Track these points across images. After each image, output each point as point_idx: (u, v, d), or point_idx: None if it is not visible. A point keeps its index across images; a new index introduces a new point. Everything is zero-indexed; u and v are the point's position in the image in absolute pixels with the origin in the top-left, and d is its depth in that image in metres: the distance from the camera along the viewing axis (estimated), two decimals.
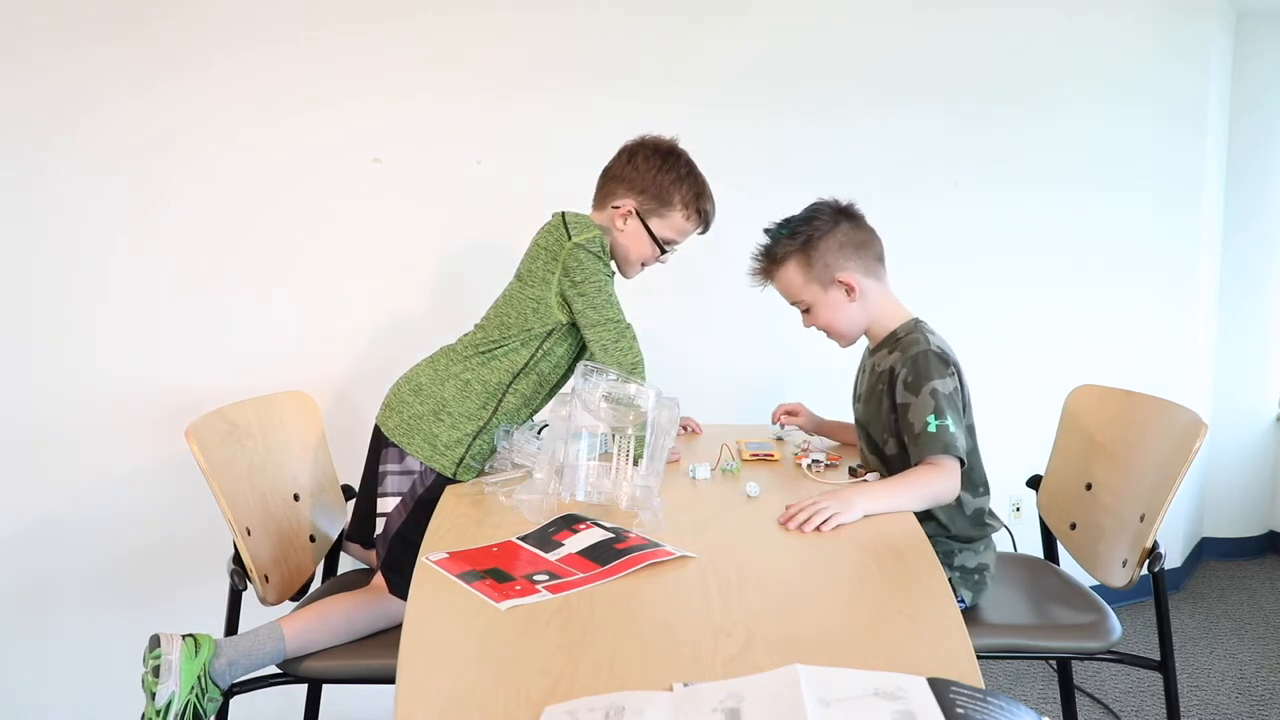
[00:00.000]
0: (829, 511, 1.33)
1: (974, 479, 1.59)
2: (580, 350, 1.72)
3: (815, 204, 1.66)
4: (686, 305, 2.46)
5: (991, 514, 1.62)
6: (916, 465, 1.49)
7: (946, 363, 1.54)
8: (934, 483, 1.46)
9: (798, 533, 1.31)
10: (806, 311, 1.67)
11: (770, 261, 1.66)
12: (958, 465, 1.47)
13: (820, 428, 1.95)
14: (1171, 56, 2.85)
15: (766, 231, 1.68)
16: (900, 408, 1.54)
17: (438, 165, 2.24)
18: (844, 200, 1.66)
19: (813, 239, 1.61)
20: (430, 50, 2.21)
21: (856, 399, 1.74)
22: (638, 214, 1.69)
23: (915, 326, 1.62)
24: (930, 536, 1.56)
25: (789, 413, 1.95)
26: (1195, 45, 2.90)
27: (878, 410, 1.61)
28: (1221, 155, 3.15)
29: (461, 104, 2.24)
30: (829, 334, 1.69)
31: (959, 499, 1.54)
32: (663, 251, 1.74)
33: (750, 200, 2.42)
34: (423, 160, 2.22)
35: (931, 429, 1.47)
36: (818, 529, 1.31)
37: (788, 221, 1.66)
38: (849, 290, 1.62)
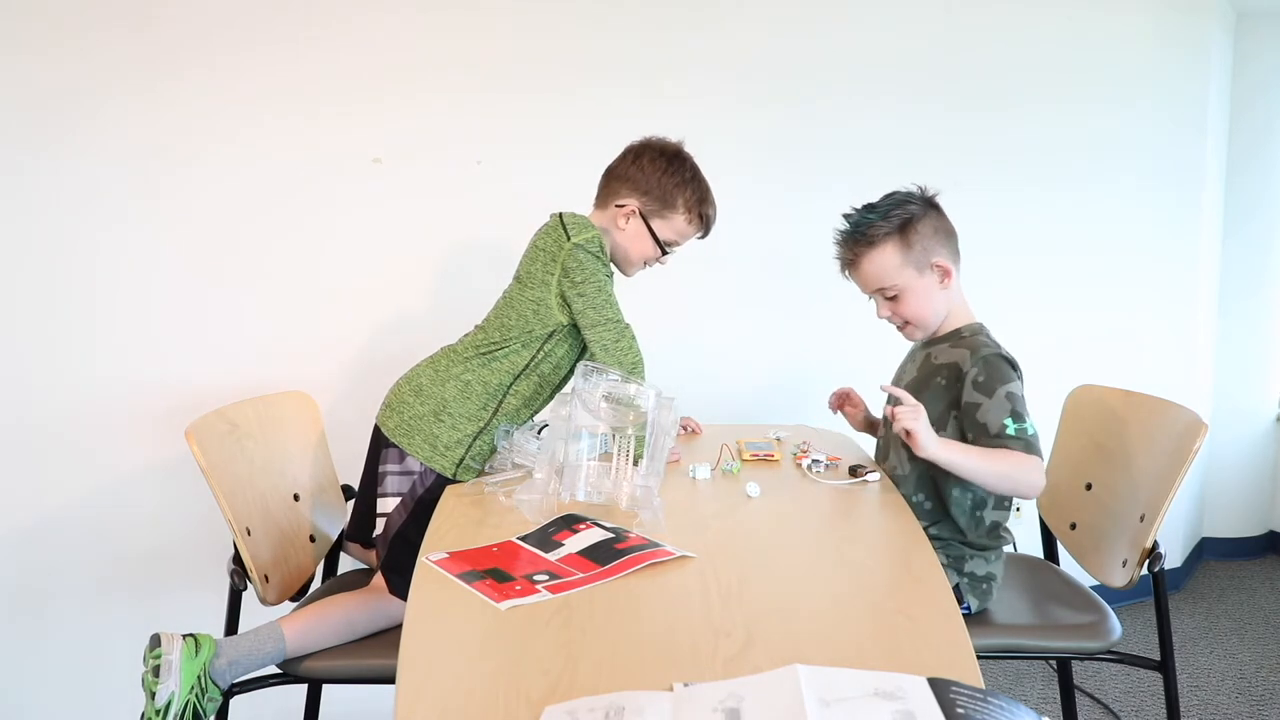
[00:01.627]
0: (913, 426, 1.41)
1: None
2: (580, 352, 1.72)
3: (902, 191, 1.63)
4: (686, 305, 2.46)
5: (1006, 529, 1.62)
6: (995, 450, 1.47)
7: (1015, 367, 1.54)
8: (1018, 468, 1.45)
9: (791, 532, 1.31)
10: (892, 299, 1.62)
11: (864, 244, 1.60)
12: (1040, 462, 1.47)
13: (875, 427, 1.90)
14: (1171, 56, 2.85)
15: (847, 217, 1.63)
16: (968, 406, 1.52)
17: (438, 165, 2.24)
18: (930, 189, 1.64)
19: (910, 222, 1.58)
20: (431, 50, 2.21)
21: (905, 388, 1.70)
22: (640, 214, 1.69)
23: (981, 329, 1.61)
24: (944, 540, 1.57)
25: (847, 400, 1.88)
26: (1195, 45, 2.89)
27: (930, 401, 1.56)
28: (1221, 155, 3.15)
29: (461, 104, 2.24)
30: (908, 323, 1.64)
31: (979, 511, 1.55)
32: (664, 252, 1.74)
33: (750, 200, 2.43)
34: (423, 160, 2.22)
35: (1011, 431, 1.46)
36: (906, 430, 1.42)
37: (873, 207, 1.61)
38: (944, 275, 1.59)
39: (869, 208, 1.62)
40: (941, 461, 1.45)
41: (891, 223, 1.58)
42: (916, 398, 1.59)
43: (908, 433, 1.43)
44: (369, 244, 2.21)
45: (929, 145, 2.62)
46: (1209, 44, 2.92)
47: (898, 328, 1.67)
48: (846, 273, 1.66)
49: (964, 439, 1.52)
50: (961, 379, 1.53)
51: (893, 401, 1.67)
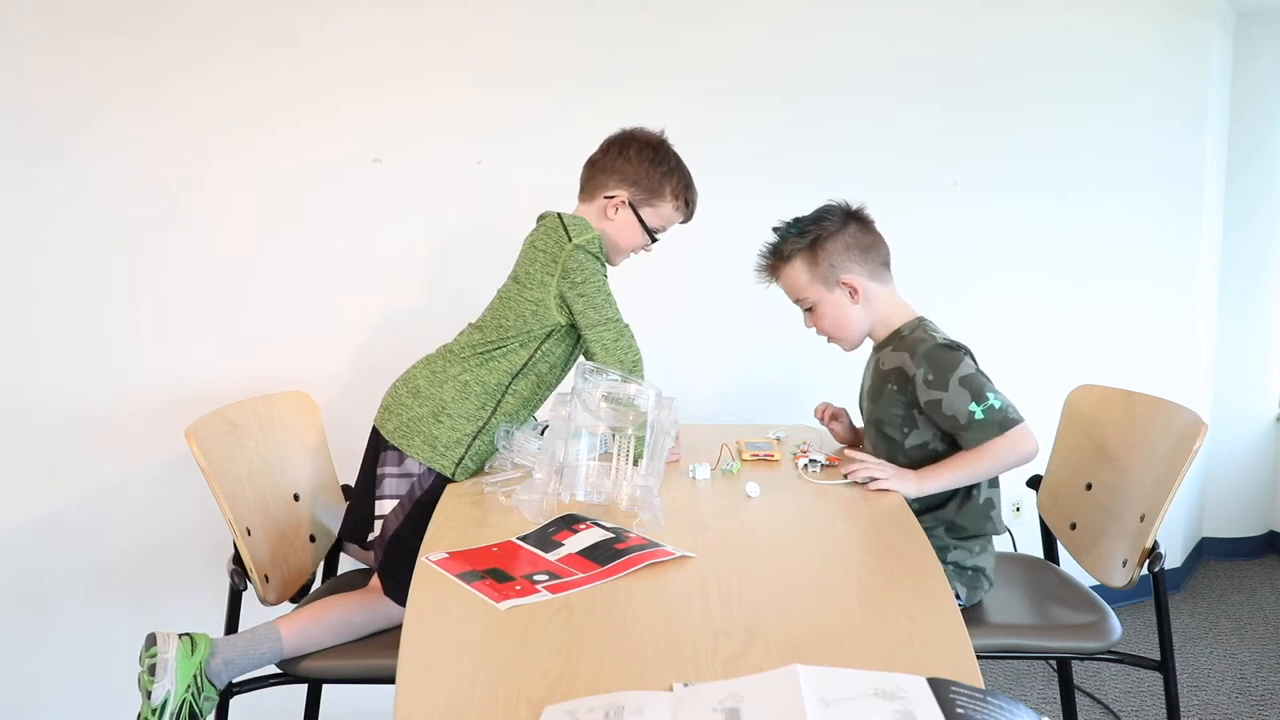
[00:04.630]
0: (882, 482, 1.49)
1: None
2: (576, 351, 1.72)
3: (825, 205, 1.68)
4: (686, 304, 2.46)
5: (998, 514, 1.62)
6: (971, 449, 1.53)
7: (955, 347, 1.57)
8: (1001, 453, 1.51)
9: (791, 532, 1.31)
10: (810, 310, 1.69)
11: (776, 259, 1.68)
12: (1021, 430, 1.51)
13: (857, 441, 1.89)
14: (1171, 55, 2.85)
15: (775, 229, 1.70)
16: (929, 404, 1.55)
17: (438, 165, 2.23)
18: (854, 203, 1.69)
19: (820, 239, 1.63)
20: (431, 50, 2.21)
21: (866, 396, 1.73)
22: (630, 205, 1.71)
23: (919, 324, 1.64)
24: (926, 529, 1.57)
25: (833, 417, 1.89)
26: (1195, 44, 2.89)
27: (889, 406, 1.62)
28: (1221, 154, 3.15)
29: (462, 104, 2.24)
30: (831, 337, 1.70)
31: (972, 488, 1.57)
32: (653, 240, 1.77)
33: (749, 198, 2.42)
34: (423, 160, 2.22)
35: (980, 416, 1.50)
36: (861, 484, 1.50)
37: (797, 221, 1.68)
38: (852, 292, 1.64)
39: (793, 222, 1.69)
40: (934, 490, 1.53)
41: (803, 240, 1.65)
42: (876, 403, 1.66)
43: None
44: (369, 244, 2.21)
45: (929, 145, 2.62)
46: (1209, 44, 2.92)
47: (828, 340, 1.72)
48: (768, 284, 1.73)
49: (939, 432, 1.58)
50: (911, 381, 1.57)
51: (865, 430, 1.72)
